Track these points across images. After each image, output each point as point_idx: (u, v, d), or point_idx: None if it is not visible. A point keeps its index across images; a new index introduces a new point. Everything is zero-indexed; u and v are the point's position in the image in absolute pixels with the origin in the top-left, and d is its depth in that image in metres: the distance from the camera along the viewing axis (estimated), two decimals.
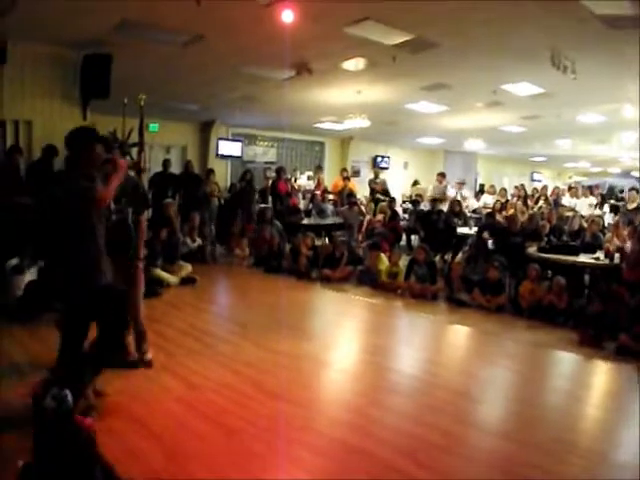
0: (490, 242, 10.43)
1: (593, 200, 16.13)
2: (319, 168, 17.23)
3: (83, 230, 4.21)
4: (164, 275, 9.09)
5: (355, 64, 9.14)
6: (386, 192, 16.53)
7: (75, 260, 4.20)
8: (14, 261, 7.11)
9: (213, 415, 4.45)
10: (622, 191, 21.72)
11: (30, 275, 7.09)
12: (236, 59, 8.99)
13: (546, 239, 10.73)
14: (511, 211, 12.84)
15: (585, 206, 15.32)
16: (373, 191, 16.96)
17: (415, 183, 19.83)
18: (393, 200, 14.82)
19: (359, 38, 7.60)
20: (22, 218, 7.10)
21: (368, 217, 13.67)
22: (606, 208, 15.61)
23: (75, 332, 4.24)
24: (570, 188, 17.53)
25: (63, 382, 2.80)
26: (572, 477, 3.88)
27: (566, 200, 16.14)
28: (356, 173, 19.79)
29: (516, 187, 18.43)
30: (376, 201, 15.62)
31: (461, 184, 16.95)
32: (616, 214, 14.96)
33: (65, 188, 4.18)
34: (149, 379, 5.20)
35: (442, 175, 16.31)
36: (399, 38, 7.64)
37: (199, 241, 11.32)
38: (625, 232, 9.52)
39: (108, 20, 7.20)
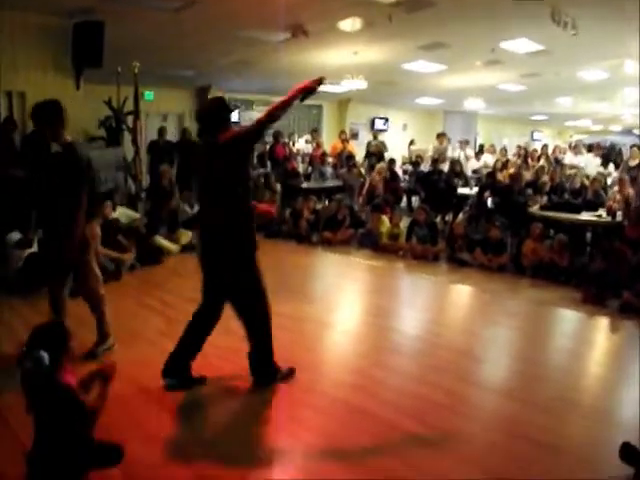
0: (490, 201, 10.39)
1: (598, 161, 16.02)
2: (315, 131, 17.05)
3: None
4: (164, 243, 9.05)
5: (351, 24, 9.01)
6: (380, 154, 16.43)
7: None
8: (16, 235, 7.06)
9: (217, 379, 4.47)
10: (612, 146, 21.74)
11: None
12: (230, 23, 8.86)
13: (547, 197, 10.69)
14: (512, 170, 12.74)
15: (591, 165, 15.20)
16: (368, 153, 16.90)
17: (411, 143, 19.72)
18: (393, 161, 14.72)
19: None
20: (17, 190, 7.05)
21: (369, 179, 13.56)
22: (611, 167, 15.47)
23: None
24: (572, 146, 17.40)
25: (41, 343, 2.78)
26: (574, 435, 3.90)
27: (569, 158, 16.00)
28: (354, 135, 19.64)
29: (518, 146, 18.32)
30: (370, 164, 15.53)
31: (465, 143, 16.86)
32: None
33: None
34: (151, 345, 5.21)
35: (443, 135, 16.18)
36: None
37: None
38: (630, 189, 9.47)
39: None
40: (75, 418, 2.79)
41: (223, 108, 4.17)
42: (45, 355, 2.71)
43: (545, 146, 17.96)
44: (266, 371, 4.36)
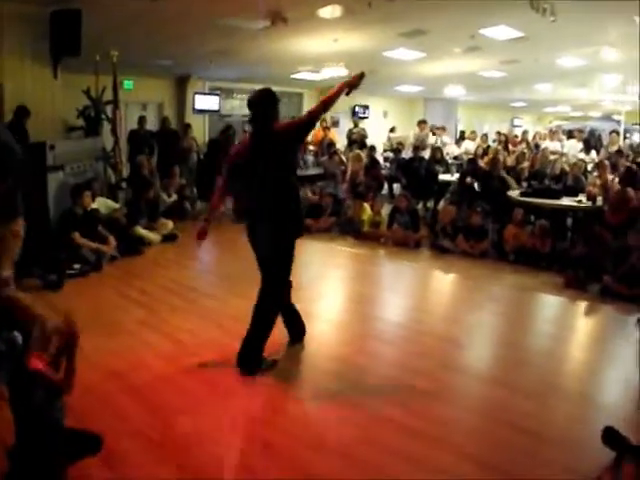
0: (476, 185, 10.41)
1: (580, 145, 16.12)
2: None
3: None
4: (145, 233, 8.99)
5: (331, 11, 8.94)
6: (362, 142, 16.42)
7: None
8: None
9: (198, 370, 4.45)
10: (592, 132, 21.89)
11: None
12: (209, 11, 8.75)
13: (527, 183, 10.74)
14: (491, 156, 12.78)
15: (572, 149, 15.28)
16: (350, 141, 16.88)
17: (392, 130, 19.71)
18: (373, 148, 14.71)
19: None
20: None
21: (350, 167, 13.52)
22: (593, 154, 15.56)
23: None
24: (552, 132, 17.47)
25: (12, 325, 2.74)
26: (557, 420, 3.92)
27: (547, 144, 16.05)
28: (335, 123, 19.59)
29: (498, 132, 18.39)
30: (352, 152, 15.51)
31: (442, 130, 16.87)
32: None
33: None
34: (131, 335, 5.17)
35: (424, 122, 16.19)
36: None
37: (175, 196, 11.15)
38: (609, 175, 9.53)
39: None
40: (50, 401, 2.75)
41: (274, 98, 4.36)
42: (18, 335, 2.67)
43: (525, 132, 18.05)
44: (253, 358, 4.37)
